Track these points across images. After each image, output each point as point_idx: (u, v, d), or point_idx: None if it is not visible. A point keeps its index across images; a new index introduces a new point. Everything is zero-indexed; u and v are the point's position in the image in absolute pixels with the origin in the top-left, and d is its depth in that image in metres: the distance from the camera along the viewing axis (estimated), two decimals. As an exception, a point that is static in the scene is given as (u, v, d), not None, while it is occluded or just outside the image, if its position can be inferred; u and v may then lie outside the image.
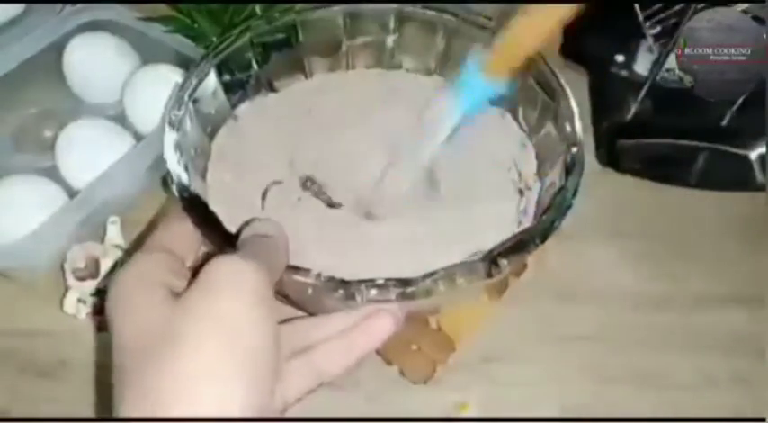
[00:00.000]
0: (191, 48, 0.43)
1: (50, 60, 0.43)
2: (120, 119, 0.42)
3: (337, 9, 0.37)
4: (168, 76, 0.42)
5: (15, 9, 0.44)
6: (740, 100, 0.40)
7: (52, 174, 0.40)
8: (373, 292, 0.27)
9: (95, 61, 0.43)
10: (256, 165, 0.35)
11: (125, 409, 0.21)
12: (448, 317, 0.37)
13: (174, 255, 0.25)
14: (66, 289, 0.37)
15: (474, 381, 0.36)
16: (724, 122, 0.42)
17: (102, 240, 0.39)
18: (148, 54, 0.44)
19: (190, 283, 0.23)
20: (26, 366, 0.36)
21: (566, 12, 0.28)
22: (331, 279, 0.27)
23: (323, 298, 0.28)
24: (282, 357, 0.24)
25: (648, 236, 0.42)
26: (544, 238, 0.29)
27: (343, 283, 0.27)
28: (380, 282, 0.27)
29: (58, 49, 0.43)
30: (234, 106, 0.36)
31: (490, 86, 0.31)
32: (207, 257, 0.23)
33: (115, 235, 0.39)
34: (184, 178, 0.30)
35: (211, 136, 0.35)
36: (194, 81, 0.34)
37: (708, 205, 0.42)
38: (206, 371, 0.21)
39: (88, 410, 0.35)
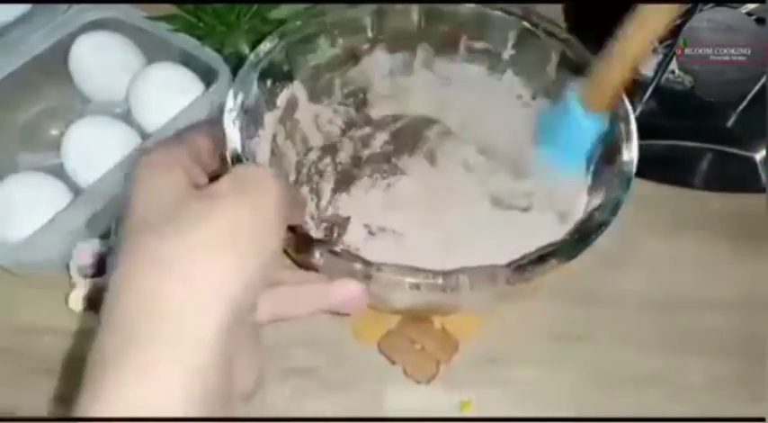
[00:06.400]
0: (196, 47, 0.43)
1: (56, 59, 0.43)
2: (126, 117, 0.42)
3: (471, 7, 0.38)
4: (174, 75, 0.42)
5: (21, 8, 0.44)
6: (745, 101, 0.41)
7: (58, 172, 0.40)
8: (380, 274, 0.27)
9: (101, 60, 0.43)
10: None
11: (125, 271, 0.21)
12: (451, 317, 0.37)
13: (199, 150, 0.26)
14: (72, 286, 0.37)
15: (477, 380, 0.36)
16: (729, 124, 0.42)
17: (107, 238, 0.39)
18: (154, 53, 0.44)
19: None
20: (31, 364, 0.37)
21: (654, 34, 0.29)
22: (332, 252, 0.28)
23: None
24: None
25: (651, 237, 0.42)
26: (571, 256, 0.29)
27: (348, 257, 0.28)
28: (390, 267, 0.27)
29: (63, 47, 0.43)
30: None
31: (594, 122, 0.32)
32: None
33: (121, 233, 0.39)
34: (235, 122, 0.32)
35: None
36: (267, 47, 0.35)
37: (711, 207, 0.43)
38: (222, 242, 0.21)
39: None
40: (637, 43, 0.30)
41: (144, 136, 0.41)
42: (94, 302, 0.37)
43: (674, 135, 0.43)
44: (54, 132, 0.42)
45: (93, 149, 0.40)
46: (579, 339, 0.38)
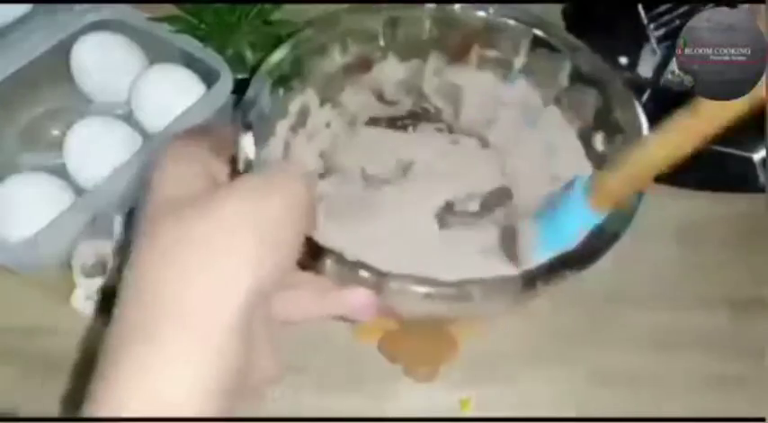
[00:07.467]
0: (198, 48, 0.43)
1: (58, 59, 0.43)
2: (128, 118, 0.42)
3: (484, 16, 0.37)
4: (175, 76, 0.43)
5: (22, 8, 0.45)
6: (743, 102, 0.41)
7: (60, 172, 0.40)
8: (391, 284, 0.27)
9: (103, 60, 0.43)
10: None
11: (143, 254, 0.21)
12: (451, 316, 0.37)
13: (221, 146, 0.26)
14: (75, 286, 0.38)
15: (477, 380, 0.36)
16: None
17: (110, 238, 0.39)
18: (156, 54, 0.44)
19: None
20: (33, 363, 0.37)
21: (688, 146, 0.26)
22: (339, 259, 0.27)
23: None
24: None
25: (649, 237, 0.42)
26: (582, 267, 0.28)
27: (353, 265, 0.27)
28: (401, 276, 0.27)
29: (65, 48, 0.43)
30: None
31: (593, 217, 0.29)
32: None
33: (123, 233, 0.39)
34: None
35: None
36: (279, 56, 0.35)
37: (710, 207, 0.43)
38: (243, 229, 0.21)
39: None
40: (680, 144, 0.26)
41: (145, 136, 0.42)
42: (102, 302, 0.38)
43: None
44: (56, 133, 0.43)
45: (95, 150, 0.40)
46: (579, 339, 0.38)
